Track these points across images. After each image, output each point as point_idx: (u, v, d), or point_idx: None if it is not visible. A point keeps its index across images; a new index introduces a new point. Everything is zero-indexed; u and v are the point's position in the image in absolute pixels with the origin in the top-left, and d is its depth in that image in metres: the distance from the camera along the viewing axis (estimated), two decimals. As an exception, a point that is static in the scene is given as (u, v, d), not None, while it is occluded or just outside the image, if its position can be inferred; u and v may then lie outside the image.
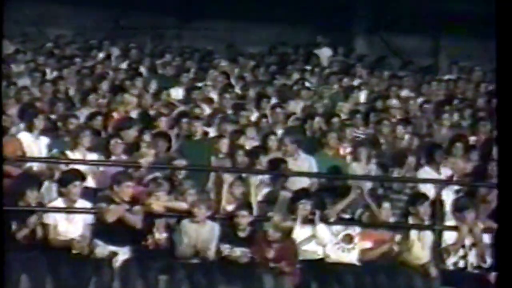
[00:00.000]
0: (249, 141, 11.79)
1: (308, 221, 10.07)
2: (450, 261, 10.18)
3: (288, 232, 9.85)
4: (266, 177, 10.84)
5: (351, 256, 10.09)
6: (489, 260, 10.15)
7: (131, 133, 10.91)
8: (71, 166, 9.92)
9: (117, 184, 9.56)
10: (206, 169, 10.85)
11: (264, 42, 17.94)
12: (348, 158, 11.74)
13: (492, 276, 10.02)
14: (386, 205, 10.26)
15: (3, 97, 11.62)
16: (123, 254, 9.47)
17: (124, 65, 15.27)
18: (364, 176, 11.06)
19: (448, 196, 10.85)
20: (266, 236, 9.78)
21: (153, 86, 13.74)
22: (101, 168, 10.23)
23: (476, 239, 10.18)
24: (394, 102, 14.54)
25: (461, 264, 10.18)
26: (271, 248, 9.72)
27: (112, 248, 9.40)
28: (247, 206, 10.04)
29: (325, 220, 10.14)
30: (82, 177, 9.60)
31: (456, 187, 10.97)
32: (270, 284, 9.64)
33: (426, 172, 11.17)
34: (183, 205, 9.82)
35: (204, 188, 10.53)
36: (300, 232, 10.02)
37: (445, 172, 11.20)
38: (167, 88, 13.75)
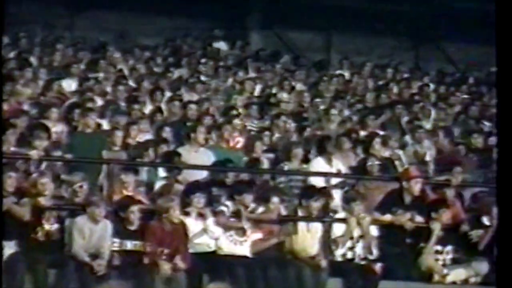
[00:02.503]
0: (143, 134, 11.74)
1: (201, 214, 10.11)
2: (338, 253, 10.40)
3: (180, 225, 9.87)
4: (160, 169, 10.83)
5: (243, 249, 10.19)
6: (375, 252, 10.41)
7: (22, 125, 10.69)
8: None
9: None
10: (96, 161, 10.76)
11: (159, 34, 17.83)
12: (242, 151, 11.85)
13: (378, 266, 10.32)
14: (275, 199, 10.40)
15: None
16: (9, 248, 9.28)
17: (12, 55, 14.89)
18: (257, 169, 11.18)
19: (337, 189, 11.10)
20: (158, 228, 9.77)
21: (44, 76, 13.48)
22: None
23: (364, 231, 10.43)
24: (287, 96, 14.75)
25: (349, 255, 10.41)
26: (163, 240, 9.72)
27: (-2, 242, 9.19)
28: (132, 198, 10.01)
29: (217, 213, 10.20)
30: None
31: (341, 180, 11.21)
32: (163, 277, 9.64)
33: (319, 163, 11.37)
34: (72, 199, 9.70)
35: (96, 181, 10.43)
36: (192, 225, 10.06)
37: (336, 165, 11.44)
38: (59, 79, 13.51)
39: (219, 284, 6.10)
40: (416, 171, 11.06)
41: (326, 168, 11.27)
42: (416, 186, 10.74)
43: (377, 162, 11.20)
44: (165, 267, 9.59)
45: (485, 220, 10.78)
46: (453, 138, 13.30)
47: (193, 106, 12.97)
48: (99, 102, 12.80)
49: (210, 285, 6.14)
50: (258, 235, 10.31)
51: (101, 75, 14.05)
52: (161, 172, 10.86)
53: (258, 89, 15.10)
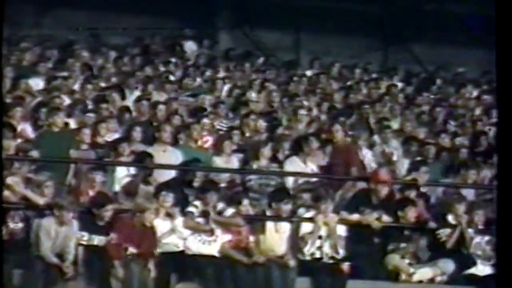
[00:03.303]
0: (112, 133, 11.69)
1: (169, 214, 10.09)
2: (306, 252, 10.43)
3: (151, 228, 9.84)
4: (130, 169, 10.79)
5: (212, 249, 10.18)
6: (341, 251, 10.46)
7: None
8: None
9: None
10: (63, 160, 10.70)
11: (128, 33, 17.75)
12: (211, 150, 11.84)
13: (346, 266, 10.37)
14: (245, 201, 10.41)
15: None
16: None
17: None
18: (225, 169, 11.17)
19: (311, 189, 11.12)
20: (126, 225, 9.74)
21: (10, 74, 13.36)
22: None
23: (330, 231, 10.47)
24: (256, 95, 14.76)
25: (317, 254, 10.45)
26: (131, 237, 9.69)
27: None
28: (107, 197, 9.97)
29: (186, 213, 10.18)
30: None
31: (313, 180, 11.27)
32: (133, 273, 9.60)
33: (294, 163, 11.39)
34: (38, 200, 9.65)
35: (63, 180, 10.38)
36: (161, 225, 10.03)
37: (311, 165, 11.48)
38: (26, 77, 13.40)
39: (188, 284, 6.09)
40: (385, 175, 11.08)
41: (301, 168, 11.30)
42: (384, 190, 10.80)
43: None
44: (135, 268, 9.57)
45: (451, 219, 10.88)
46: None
47: (161, 105, 12.94)
48: (67, 100, 12.72)
49: (179, 285, 6.12)
50: (228, 236, 10.30)
51: (68, 73, 13.96)
52: (126, 171, 10.81)
53: (227, 88, 15.10)
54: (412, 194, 11.15)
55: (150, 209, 9.75)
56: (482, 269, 10.68)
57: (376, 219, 10.71)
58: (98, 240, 9.78)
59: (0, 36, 11.41)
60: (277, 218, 10.48)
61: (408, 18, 19.49)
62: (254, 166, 11.37)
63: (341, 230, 10.57)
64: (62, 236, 9.54)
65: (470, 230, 10.76)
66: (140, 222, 9.74)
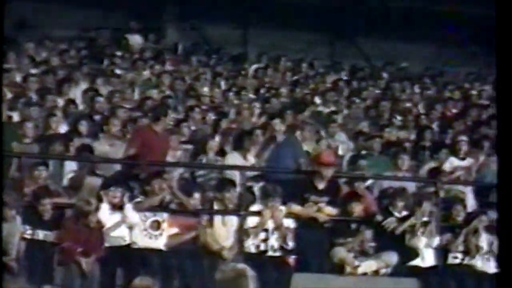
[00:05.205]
0: (56, 126, 11.57)
1: (117, 207, 10.02)
2: (252, 245, 10.46)
3: (97, 226, 9.76)
4: (72, 163, 10.70)
5: (158, 242, 10.16)
6: (291, 244, 10.51)
7: None
8: None
9: None
10: (7, 154, 10.55)
11: (73, 26, 17.56)
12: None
13: (292, 259, 10.42)
14: (196, 195, 10.39)
15: None
16: None
17: None
18: (173, 163, 11.14)
19: (257, 182, 11.15)
20: (72, 226, 9.65)
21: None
22: None
23: (278, 223, 10.51)
24: (204, 89, 14.74)
25: (263, 247, 10.49)
26: (78, 237, 9.61)
27: None
28: (49, 191, 9.87)
29: (133, 205, 10.13)
30: None
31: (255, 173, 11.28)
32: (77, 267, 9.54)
33: (234, 157, 11.40)
34: None
35: (7, 175, 10.23)
36: (108, 218, 9.97)
37: (251, 160, 11.49)
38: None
39: (145, 280, 6.09)
40: (328, 156, 11.07)
41: (241, 163, 11.31)
42: (328, 172, 10.74)
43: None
44: (81, 263, 9.49)
45: (396, 213, 11.01)
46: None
47: (108, 99, 12.84)
48: (9, 94, 12.54)
49: (136, 280, 6.12)
50: (174, 230, 10.28)
51: (11, 66, 13.76)
52: (73, 166, 10.72)
53: (175, 82, 15.05)
54: (360, 187, 11.23)
55: (92, 211, 9.63)
56: (424, 260, 10.86)
57: (320, 209, 10.72)
58: (42, 235, 9.66)
59: (0, 36, 11.25)
60: (224, 211, 10.49)
61: (355, 13, 19.66)
62: (204, 159, 11.37)
63: (289, 222, 10.61)
64: (5, 233, 9.40)
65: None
66: (85, 224, 9.65)
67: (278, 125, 12.00)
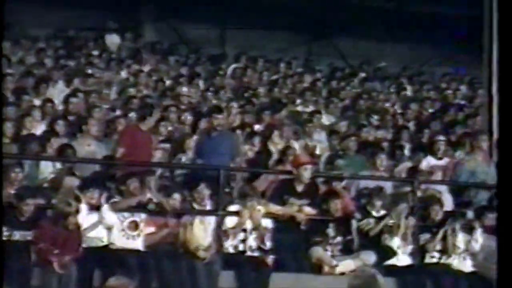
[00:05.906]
0: (34, 127, 11.52)
1: (95, 207, 10.00)
2: (230, 245, 10.47)
3: (72, 227, 9.72)
4: (50, 163, 10.66)
5: (136, 243, 10.14)
6: (268, 244, 10.53)
7: None
8: None
9: None
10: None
11: (50, 25, 17.48)
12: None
13: (270, 259, 10.44)
14: (176, 196, 10.38)
15: None
16: None
17: None
18: (153, 163, 11.12)
19: (236, 182, 11.17)
20: (50, 229, 9.61)
21: None
22: None
23: (256, 223, 10.53)
24: (182, 89, 14.74)
25: (241, 247, 10.50)
26: (55, 239, 9.57)
27: None
28: (29, 191, 9.83)
29: (111, 205, 10.11)
30: None
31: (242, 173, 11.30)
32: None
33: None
34: None
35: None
36: (86, 219, 9.94)
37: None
38: None
39: (120, 279, 6.04)
40: (306, 157, 11.14)
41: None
42: (306, 173, 10.82)
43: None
44: (57, 264, 9.46)
45: (374, 212, 11.06)
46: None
47: (85, 98, 12.79)
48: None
49: (111, 280, 6.05)
50: (151, 229, 10.27)
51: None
52: (49, 166, 10.68)
53: (152, 81, 15.03)
54: (338, 186, 11.27)
55: (72, 212, 9.59)
56: (401, 259, 10.92)
57: (300, 210, 10.77)
58: (19, 235, 9.61)
59: (0, 36, 11.16)
60: (202, 212, 10.49)
61: (332, 13, 19.73)
62: (183, 158, 11.36)
63: (267, 222, 10.63)
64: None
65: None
66: (64, 225, 9.61)
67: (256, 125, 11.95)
